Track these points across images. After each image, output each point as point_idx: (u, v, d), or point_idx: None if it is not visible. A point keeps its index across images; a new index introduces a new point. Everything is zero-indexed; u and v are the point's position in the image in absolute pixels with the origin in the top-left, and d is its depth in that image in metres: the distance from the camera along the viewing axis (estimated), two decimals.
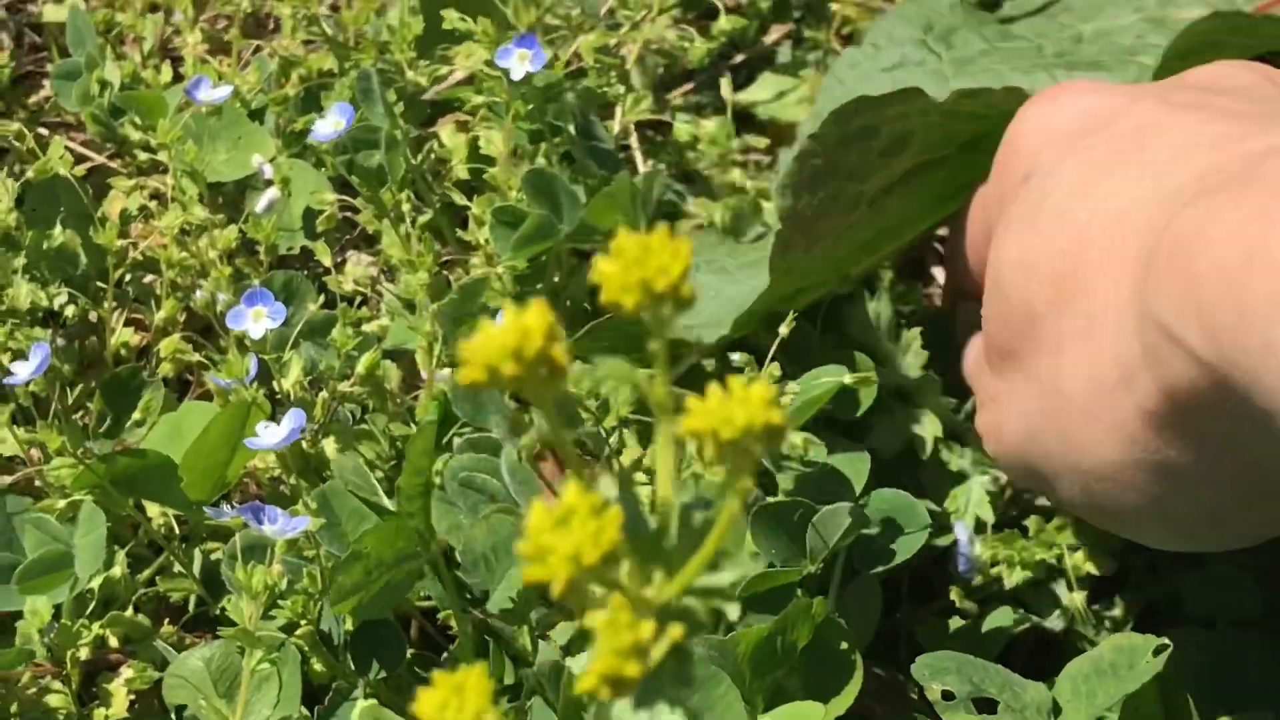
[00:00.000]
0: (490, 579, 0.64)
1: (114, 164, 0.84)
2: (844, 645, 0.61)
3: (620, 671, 0.29)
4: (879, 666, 0.67)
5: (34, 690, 0.65)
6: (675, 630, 0.31)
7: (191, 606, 0.69)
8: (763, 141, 0.84)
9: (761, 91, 0.87)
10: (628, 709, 0.32)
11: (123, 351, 0.76)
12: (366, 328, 0.73)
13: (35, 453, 0.69)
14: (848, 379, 0.64)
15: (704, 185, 0.82)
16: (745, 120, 0.86)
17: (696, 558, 0.32)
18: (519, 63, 0.72)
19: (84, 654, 0.66)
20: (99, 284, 0.76)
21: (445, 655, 0.66)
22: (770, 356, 0.65)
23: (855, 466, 0.64)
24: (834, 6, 0.87)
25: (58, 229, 0.76)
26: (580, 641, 0.63)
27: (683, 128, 0.81)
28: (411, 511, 0.63)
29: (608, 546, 0.30)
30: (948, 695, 0.59)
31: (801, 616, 0.60)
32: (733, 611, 0.32)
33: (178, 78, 0.84)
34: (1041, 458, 0.56)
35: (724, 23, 0.83)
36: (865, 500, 0.63)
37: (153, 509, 0.69)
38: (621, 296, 0.31)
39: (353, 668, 0.64)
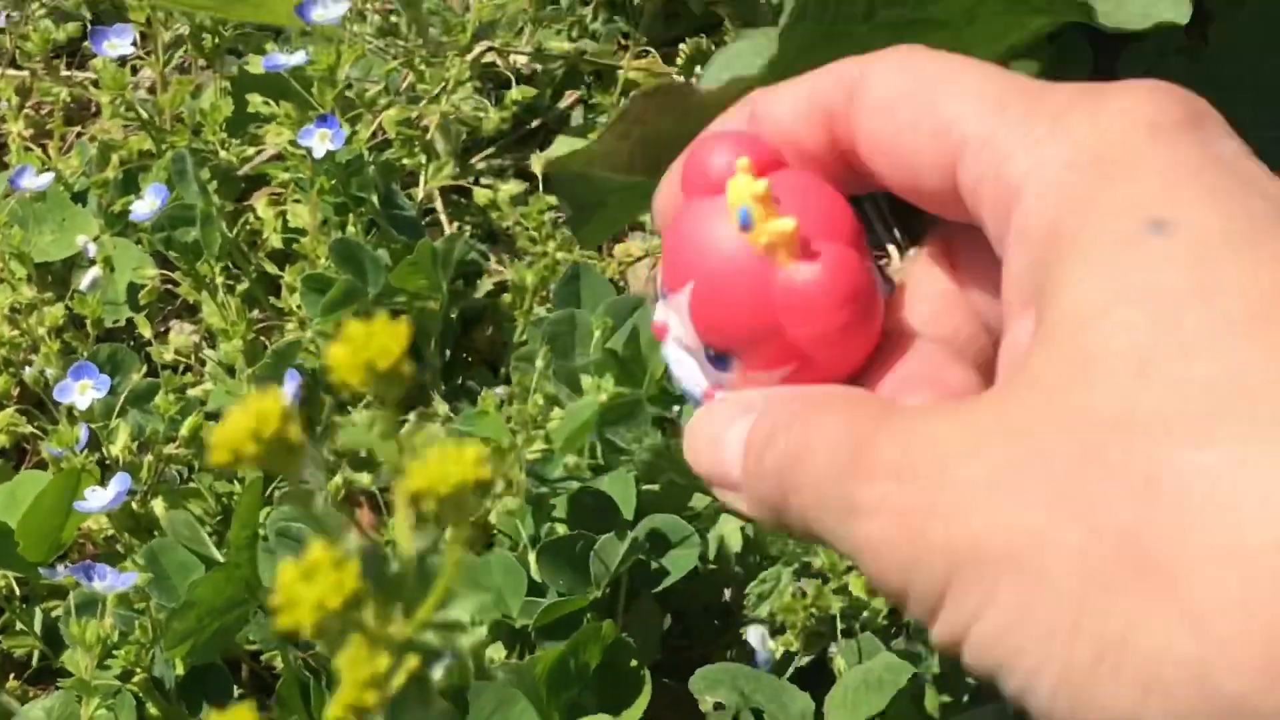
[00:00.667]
0: None
1: None
2: (634, 663, 0.66)
3: (362, 701, 0.34)
4: (673, 680, 0.71)
5: None
6: (412, 661, 0.35)
7: (35, 661, 0.72)
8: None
9: (558, 153, 0.92)
10: None
11: None
12: (191, 392, 0.76)
13: None
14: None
15: (508, 243, 0.86)
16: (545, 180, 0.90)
17: (429, 598, 0.36)
18: (320, 142, 0.76)
19: None
20: None
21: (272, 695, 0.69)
22: None
23: (624, 492, 0.68)
24: (620, 73, 0.92)
25: None
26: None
27: (482, 192, 0.86)
28: (239, 561, 0.67)
29: (348, 594, 0.34)
30: (719, 706, 0.64)
31: (591, 639, 0.64)
32: (467, 642, 0.37)
33: (3, 165, 0.87)
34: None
35: (516, 93, 0.88)
36: (637, 526, 0.67)
37: None
38: (349, 376, 0.35)
39: (185, 710, 0.67)
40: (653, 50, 0.93)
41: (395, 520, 0.37)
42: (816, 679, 0.68)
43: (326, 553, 0.34)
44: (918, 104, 0.40)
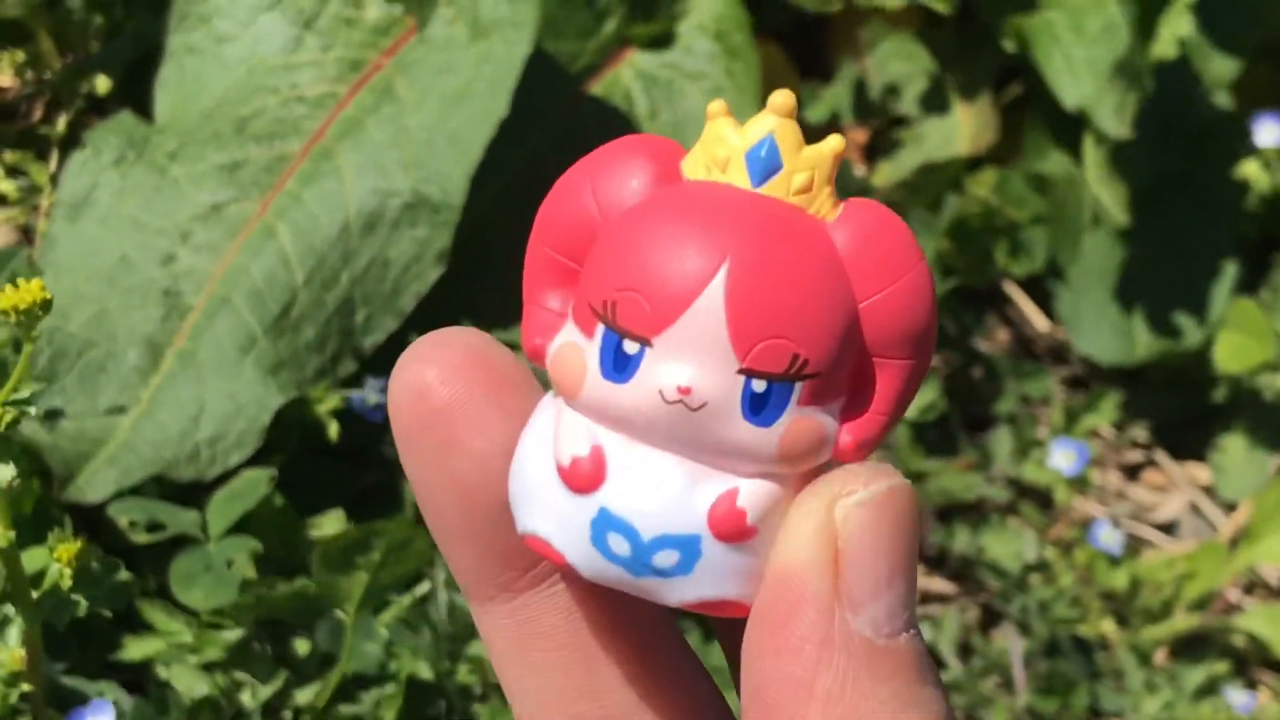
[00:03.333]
0: None
1: None
2: (61, 511, 0.84)
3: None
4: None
5: None
6: (8, 415, 0.54)
7: None
8: None
9: None
10: None
11: None
12: None
13: None
14: None
15: None
16: None
17: (8, 385, 0.55)
18: None
19: None
20: None
21: None
22: None
23: None
24: None
25: None
26: None
27: None
28: None
29: None
30: (133, 524, 0.83)
31: (25, 494, 0.82)
32: (32, 421, 0.56)
33: None
34: None
35: None
36: None
37: None
38: None
39: None
40: None
41: None
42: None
43: None
44: None
